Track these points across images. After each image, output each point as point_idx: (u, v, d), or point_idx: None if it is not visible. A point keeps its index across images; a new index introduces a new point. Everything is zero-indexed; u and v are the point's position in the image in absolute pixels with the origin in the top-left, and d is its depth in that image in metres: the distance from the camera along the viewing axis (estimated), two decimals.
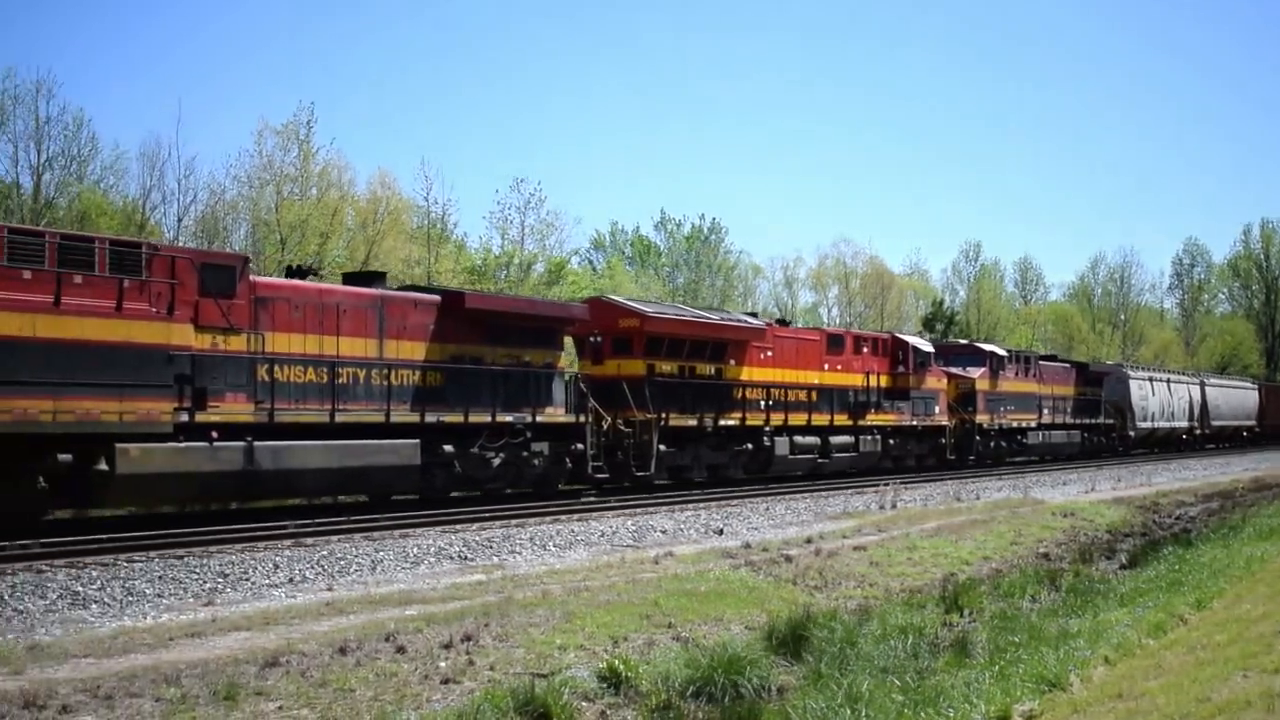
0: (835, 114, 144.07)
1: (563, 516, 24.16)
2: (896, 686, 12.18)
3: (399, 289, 26.81)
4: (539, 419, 26.61)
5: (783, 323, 39.66)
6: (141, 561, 16.71)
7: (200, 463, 20.05)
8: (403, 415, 23.91)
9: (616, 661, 12.66)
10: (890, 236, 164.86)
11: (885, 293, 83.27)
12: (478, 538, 20.68)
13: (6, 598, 14.23)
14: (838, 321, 77.14)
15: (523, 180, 59.07)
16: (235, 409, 20.88)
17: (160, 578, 15.85)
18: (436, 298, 25.59)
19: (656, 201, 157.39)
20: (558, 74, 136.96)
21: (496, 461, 25.70)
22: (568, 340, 30.92)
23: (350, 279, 26.31)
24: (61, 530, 19.38)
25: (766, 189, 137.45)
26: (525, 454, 26.43)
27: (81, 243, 19.28)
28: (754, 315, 40.29)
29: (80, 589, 14.94)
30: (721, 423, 32.33)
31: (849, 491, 32.69)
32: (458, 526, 21.86)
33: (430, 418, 24.31)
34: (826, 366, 37.13)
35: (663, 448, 30.00)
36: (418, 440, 23.75)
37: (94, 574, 15.71)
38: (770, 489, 32.13)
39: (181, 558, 17.17)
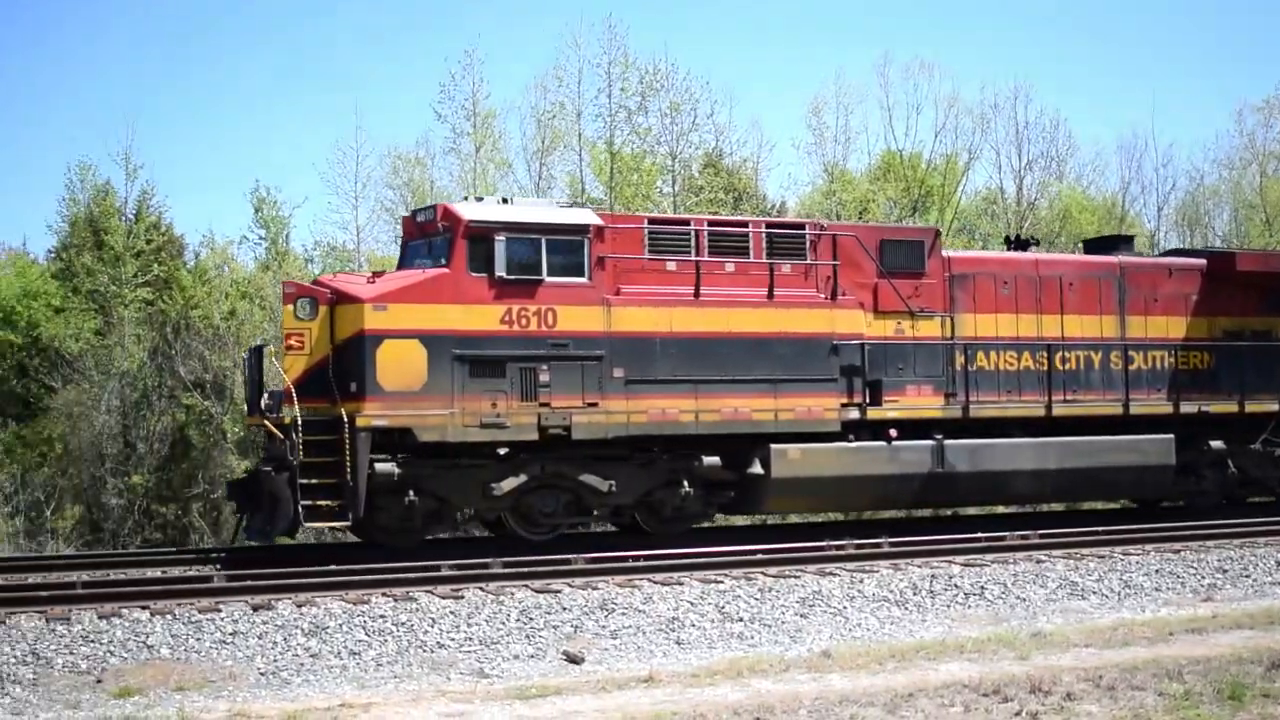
0: None
1: None
2: None
3: (1163, 254, 22.09)
4: None
5: None
6: (1138, 555, 16.59)
7: (875, 465, 17.71)
8: (1148, 405, 19.45)
9: None
10: None
11: None
12: None
13: (1010, 585, 14.90)
14: None
15: None
16: (919, 403, 18.21)
17: (1157, 571, 15.85)
18: (1200, 262, 20.65)
19: None
20: None
21: None
22: None
23: (1093, 246, 22.15)
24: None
25: None
26: None
27: (733, 228, 18.00)
28: None
29: (1078, 579, 15.36)
30: None
31: None
32: None
33: (1188, 407, 19.51)
34: None
35: None
36: (1170, 435, 19.11)
37: (1091, 565, 15.92)
38: None
39: (1178, 551, 16.86)
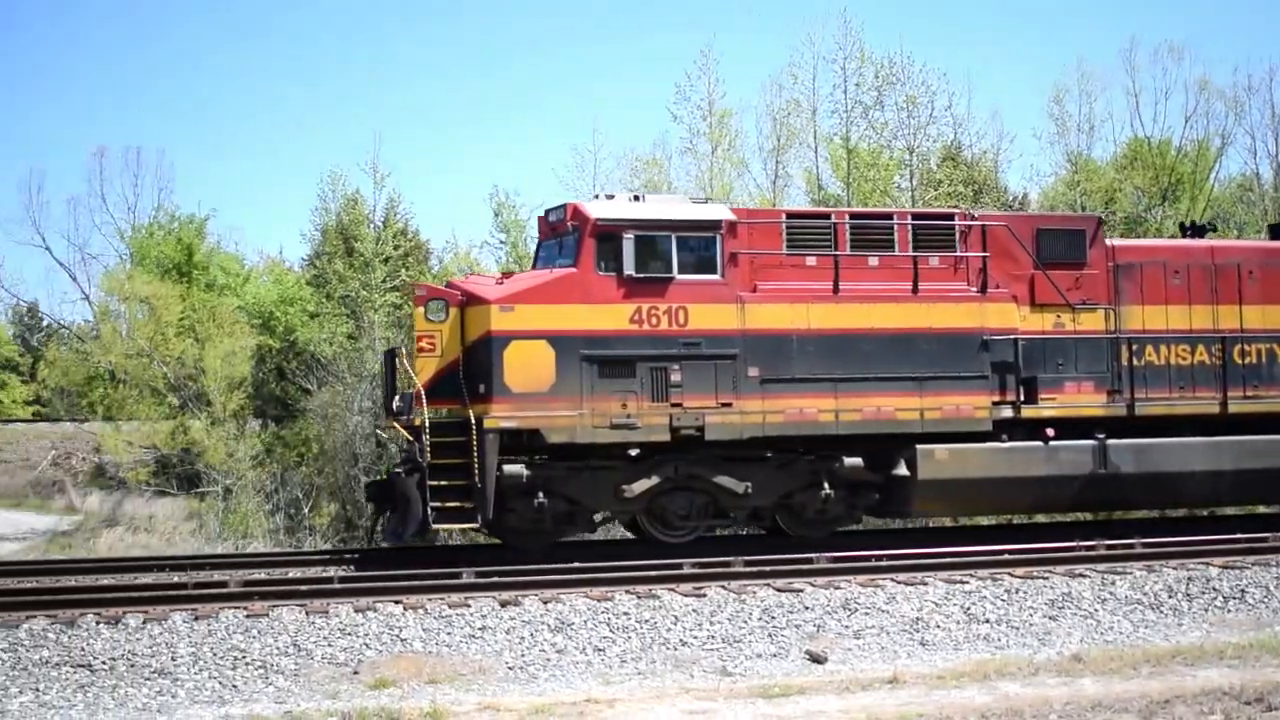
0: None
1: None
2: None
3: None
4: None
5: None
6: None
7: (1030, 466, 16.78)
8: None
9: None
10: None
11: None
12: None
13: (1273, 588, 14.17)
14: None
15: None
16: (1079, 400, 17.16)
17: None
18: None
19: None
20: None
21: None
22: None
23: (1278, 231, 20.52)
24: None
25: None
26: None
27: (876, 220, 17.31)
28: None
29: None
30: None
31: None
32: None
33: None
34: None
35: None
36: None
37: None
38: None
39: None
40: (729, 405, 15.89)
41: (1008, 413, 16.84)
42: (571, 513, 16.19)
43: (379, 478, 20.69)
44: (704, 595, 13.30)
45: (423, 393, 15.34)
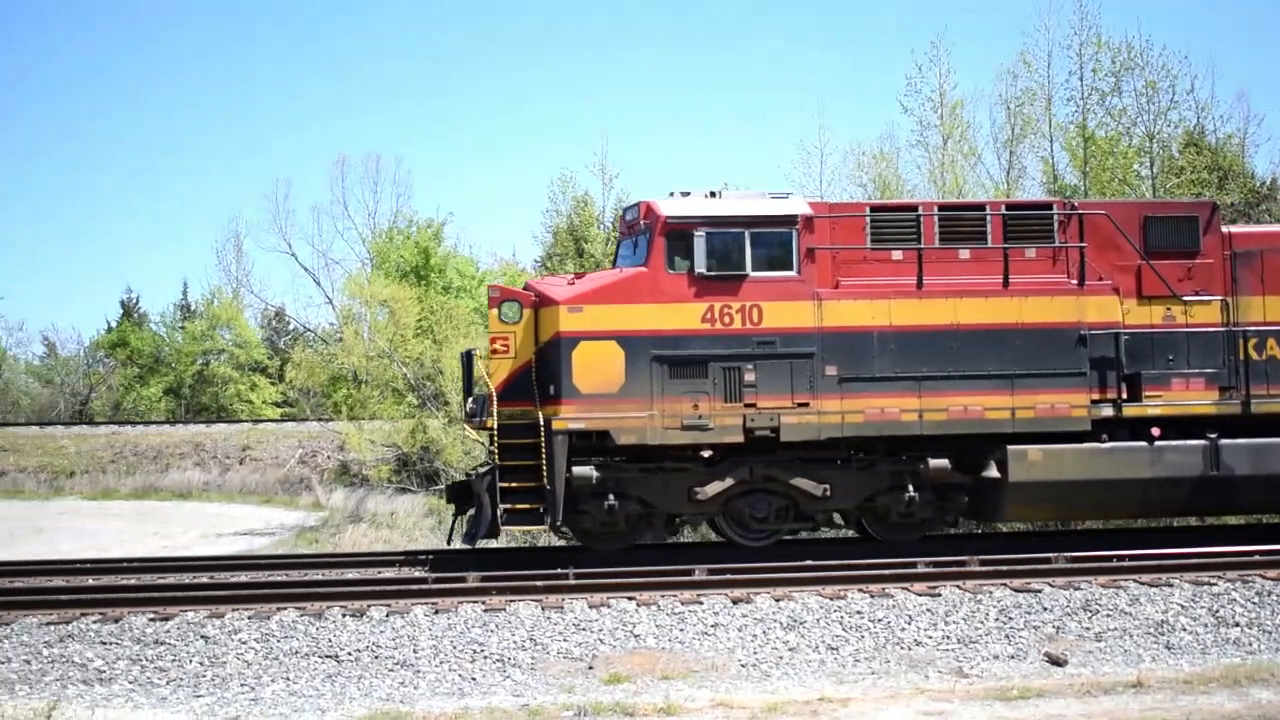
0: None
1: None
2: None
3: None
4: None
5: None
6: None
7: (1132, 468, 15.86)
8: None
9: None
10: None
11: None
12: None
13: None
14: None
15: None
16: (1188, 398, 16.12)
17: None
18: None
19: None
20: None
21: None
22: None
23: None
24: None
25: None
26: None
27: (967, 211, 16.61)
28: None
29: None
30: None
31: None
32: None
33: None
34: None
35: None
36: None
37: None
38: None
39: None
40: (805, 405, 15.46)
41: (1108, 411, 15.95)
42: (645, 515, 15.99)
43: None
44: (938, 595, 13.19)
45: (494, 394, 15.35)
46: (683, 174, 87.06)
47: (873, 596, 13.16)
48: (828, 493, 15.76)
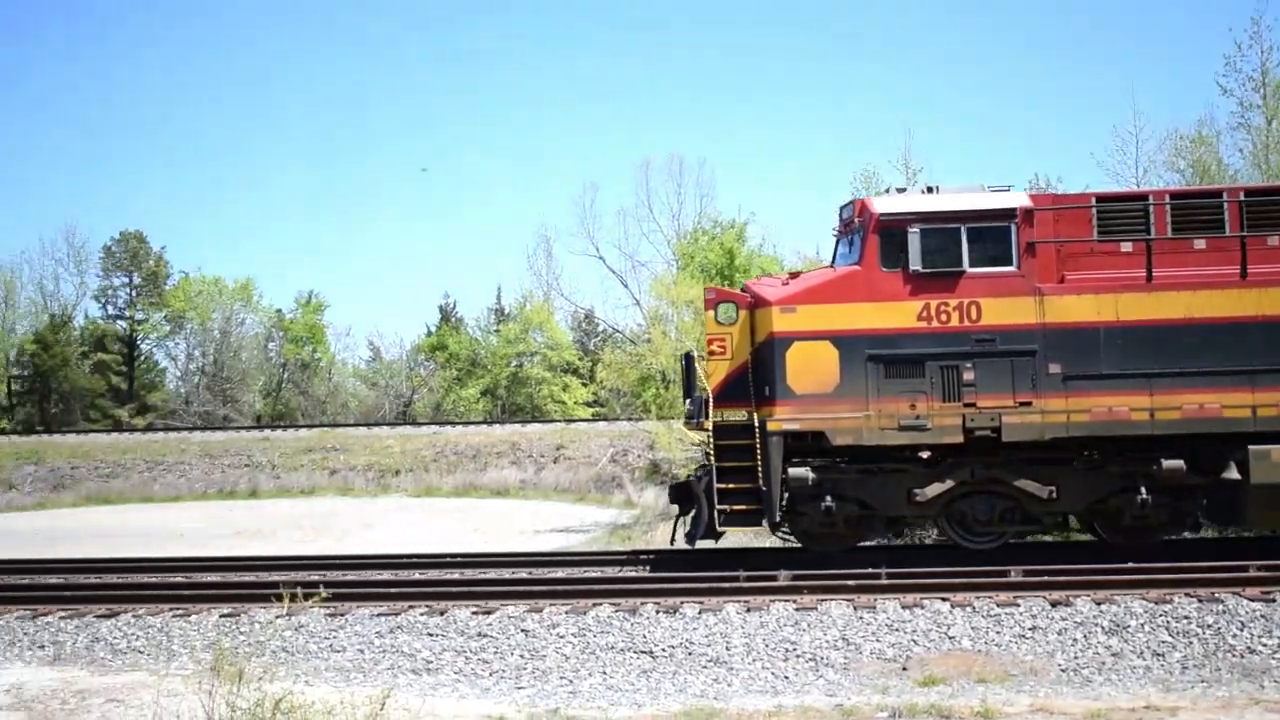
0: None
1: None
2: None
3: None
4: None
5: None
6: None
7: None
8: None
9: None
10: None
11: None
12: None
13: None
14: None
15: None
16: None
17: None
18: None
19: None
20: None
21: None
22: None
23: None
24: None
25: None
26: None
27: (1202, 200, 15.78)
28: None
29: None
30: None
31: None
32: None
33: None
34: None
35: None
36: None
37: None
38: None
39: None
40: (1028, 404, 15.01)
41: None
42: (865, 516, 15.83)
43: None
44: (1273, 600, 12.58)
45: (710, 396, 15.48)
46: (988, 166, 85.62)
47: (1201, 601, 12.56)
48: (1054, 494, 15.25)
